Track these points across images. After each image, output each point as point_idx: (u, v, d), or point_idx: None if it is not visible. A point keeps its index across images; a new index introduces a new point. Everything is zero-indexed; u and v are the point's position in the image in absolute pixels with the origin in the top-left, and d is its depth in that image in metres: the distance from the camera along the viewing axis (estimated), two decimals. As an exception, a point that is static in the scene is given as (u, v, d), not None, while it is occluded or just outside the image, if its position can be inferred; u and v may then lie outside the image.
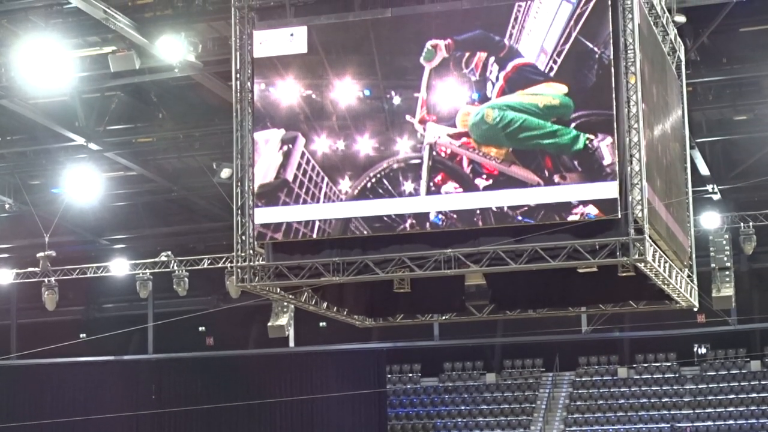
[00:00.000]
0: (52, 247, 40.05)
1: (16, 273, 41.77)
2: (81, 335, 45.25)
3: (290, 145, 23.04)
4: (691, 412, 45.10)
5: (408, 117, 22.57)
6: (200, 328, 50.08)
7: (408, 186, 22.47)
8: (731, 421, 44.49)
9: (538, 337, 46.36)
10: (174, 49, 27.20)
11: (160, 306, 45.73)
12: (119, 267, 41.87)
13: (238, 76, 23.64)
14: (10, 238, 42.99)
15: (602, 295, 25.98)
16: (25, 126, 33.49)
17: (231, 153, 23.77)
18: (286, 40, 23.28)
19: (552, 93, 21.88)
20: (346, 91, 22.90)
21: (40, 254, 40.00)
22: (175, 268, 40.80)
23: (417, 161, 22.51)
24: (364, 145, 22.77)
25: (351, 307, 27.13)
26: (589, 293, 25.86)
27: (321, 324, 45.52)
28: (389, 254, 22.79)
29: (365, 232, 22.71)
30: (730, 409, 44.99)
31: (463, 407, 47.43)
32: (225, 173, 33.23)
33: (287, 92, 23.19)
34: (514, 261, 22.26)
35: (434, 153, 22.42)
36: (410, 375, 49.01)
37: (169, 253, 41.05)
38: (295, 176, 23.00)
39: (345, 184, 22.84)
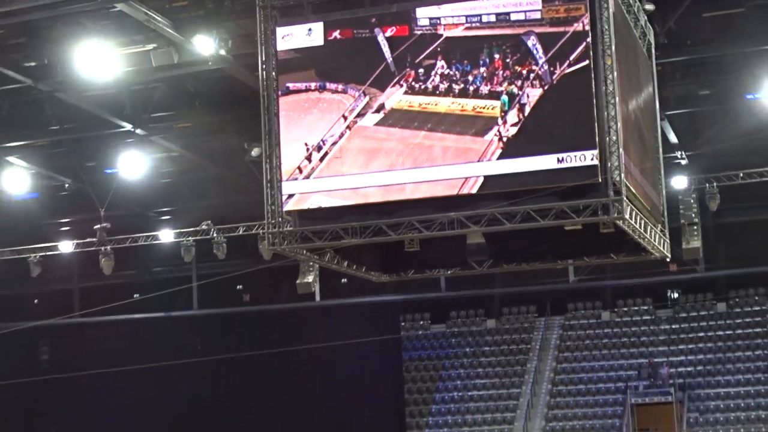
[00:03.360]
0: (107, 220, 40.06)
1: (77, 243, 41.87)
2: (135, 295, 45.30)
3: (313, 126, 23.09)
4: (666, 348, 45.13)
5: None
6: (238, 287, 50.13)
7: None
8: (701, 356, 44.54)
9: (531, 287, 46.41)
10: (207, 45, 27.17)
11: (203, 268, 45.73)
12: (166, 235, 41.99)
13: (263, 67, 23.62)
14: (70, 213, 43.03)
15: (586, 249, 26.02)
16: (79, 115, 33.45)
17: (260, 134, 23.75)
18: (304, 34, 23.21)
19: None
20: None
21: (97, 226, 40.06)
22: (215, 235, 40.85)
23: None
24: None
25: (368, 264, 27.19)
26: (575, 248, 25.92)
27: (342, 280, 45.52)
28: (400, 218, 22.81)
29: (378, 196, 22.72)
30: (701, 345, 45.03)
31: (467, 349, 47.52)
32: (255, 152, 33.17)
33: (309, 78, 23.24)
34: (509, 221, 22.30)
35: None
36: (421, 323, 49.06)
37: (209, 222, 41.09)
38: (316, 153, 23.05)
39: (361, 159, 22.83)
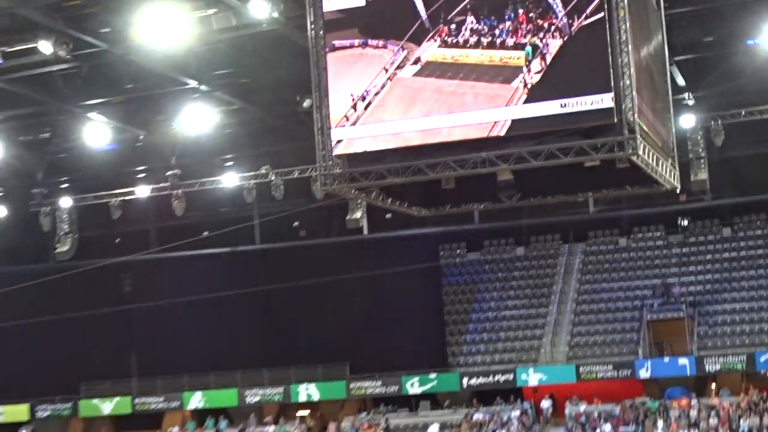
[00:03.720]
0: (177, 167, 40.35)
1: (152, 188, 42.18)
2: (204, 233, 45.55)
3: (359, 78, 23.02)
4: (678, 270, 45.00)
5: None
6: (294, 224, 50.30)
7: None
8: (709, 276, 44.41)
9: (556, 217, 46.31)
10: (261, 9, 27.17)
11: (263, 208, 45.89)
12: (230, 179, 42.19)
13: (312, 26, 23.57)
14: (145, 161, 43.28)
15: (604, 182, 25.93)
16: (149, 75, 33.54)
17: (310, 87, 23.75)
18: (348, -5, 23.21)
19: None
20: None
21: (169, 173, 40.36)
22: (273, 178, 41.00)
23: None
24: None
25: (410, 201, 27.27)
26: (594, 182, 25.83)
27: (387, 215, 45.53)
28: (437, 159, 22.87)
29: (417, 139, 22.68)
30: (709, 266, 44.89)
31: (500, 274, 47.60)
32: (306, 103, 33.15)
33: (353, 36, 23.20)
34: (534, 159, 22.34)
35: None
36: (458, 251, 49.12)
37: (268, 166, 41.23)
38: (360, 102, 23.05)
39: (401, 106, 22.81)
